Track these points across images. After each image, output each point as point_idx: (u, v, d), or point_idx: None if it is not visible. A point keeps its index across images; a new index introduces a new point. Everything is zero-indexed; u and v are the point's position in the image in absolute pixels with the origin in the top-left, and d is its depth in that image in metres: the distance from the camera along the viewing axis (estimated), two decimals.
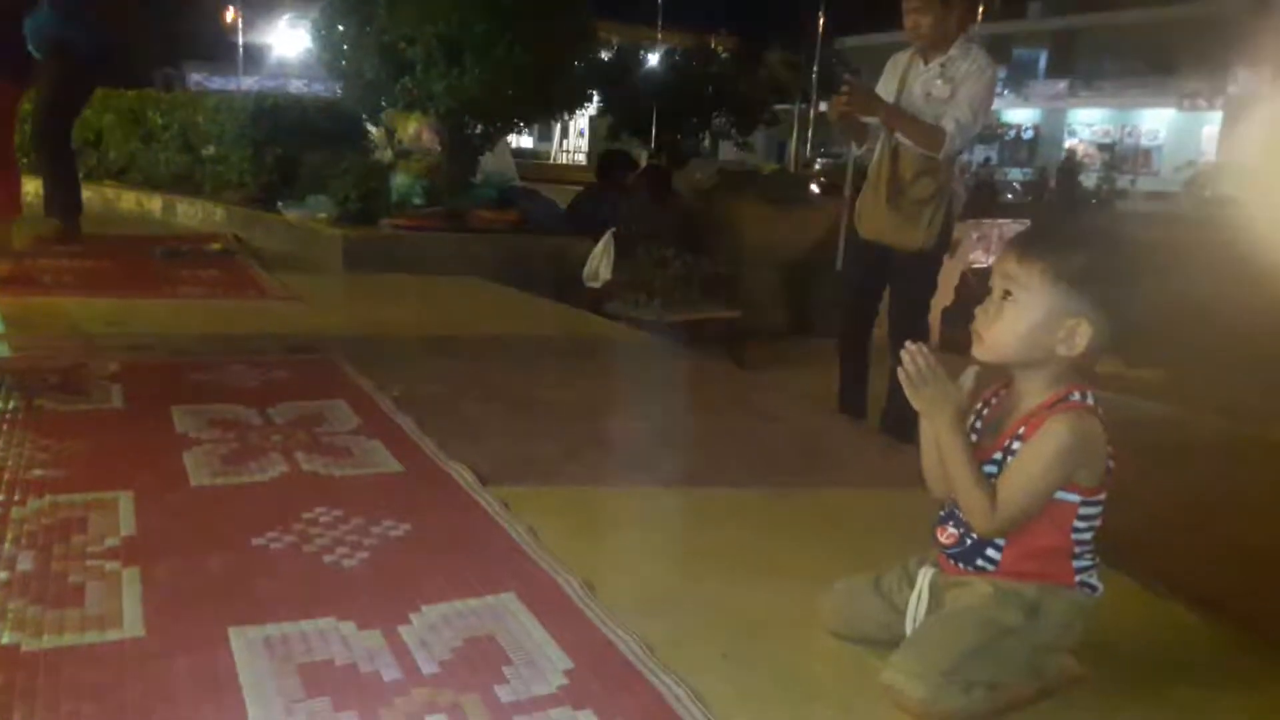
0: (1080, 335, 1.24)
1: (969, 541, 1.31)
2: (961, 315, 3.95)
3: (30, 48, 4.45)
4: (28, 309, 3.30)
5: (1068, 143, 34.32)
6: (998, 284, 1.28)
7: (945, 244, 3.37)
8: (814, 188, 7.08)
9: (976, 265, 6.58)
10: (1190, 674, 1.41)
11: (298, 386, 2.57)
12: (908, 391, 1.29)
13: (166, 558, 1.50)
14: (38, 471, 1.82)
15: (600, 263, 5.22)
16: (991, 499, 1.25)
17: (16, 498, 1.69)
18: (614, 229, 5.34)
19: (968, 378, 1.30)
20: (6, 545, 1.51)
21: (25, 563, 1.45)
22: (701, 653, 1.33)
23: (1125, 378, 5.03)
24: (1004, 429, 1.30)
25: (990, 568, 1.30)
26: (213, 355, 2.83)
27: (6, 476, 1.78)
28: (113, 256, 4.65)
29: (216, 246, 5.11)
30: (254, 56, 30.20)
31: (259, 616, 1.34)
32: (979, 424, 1.33)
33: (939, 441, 1.29)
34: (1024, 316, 1.25)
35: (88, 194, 7.17)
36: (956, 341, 1.37)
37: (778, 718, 1.20)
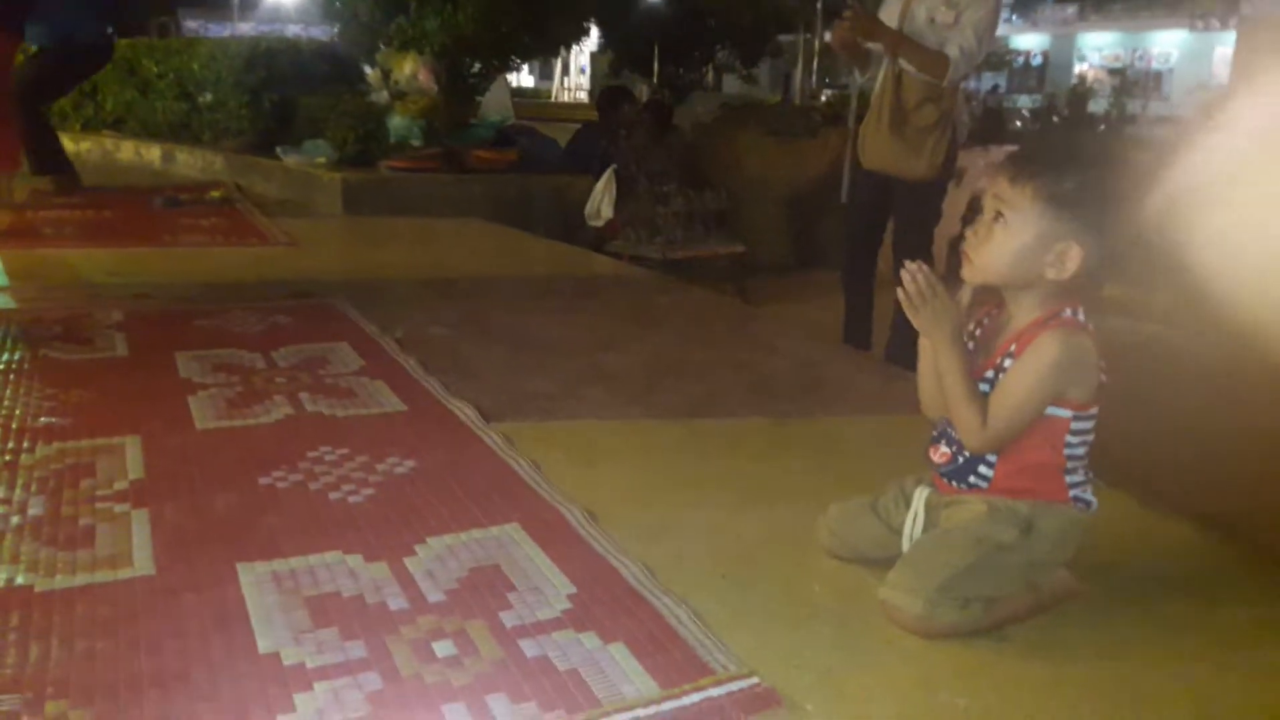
0: (1070, 258, 1.24)
1: (961, 459, 1.32)
2: None
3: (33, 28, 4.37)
4: (30, 260, 3.31)
5: (1077, 68, 33.73)
6: (989, 205, 1.27)
7: (950, 172, 3.34)
8: (817, 118, 6.98)
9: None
10: (1187, 589, 1.42)
11: (301, 330, 2.58)
12: (906, 310, 1.29)
13: (174, 499, 1.53)
14: (45, 419, 1.85)
15: (601, 201, 5.19)
16: (983, 414, 1.26)
17: (25, 445, 1.71)
18: (615, 166, 5.30)
19: (964, 295, 1.30)
20: (17, 491, 1.53)
21: (36, 507, 1.48)
22: (701, 575, 1.36)
23: (1130, 301, 5.02)
24: (996, 347, 1.31)
25: (983, 485, 1.31)
26: (215, 302, 2.84)
27: (15, 425, 1.81)
28: (113, 207, 4.65)
29: (216, 194, 5.09)
30: (250, 2, 29.75)
31: (266, 553, 1.36)
32: (971, 344, 1.34)
33: (936, 358, 1.30)
34: (1013, 238, 1.25)
35: (86, 145, 7.16)
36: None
37: (776, 635, 1.22)
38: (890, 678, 1.16)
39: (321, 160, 5.34)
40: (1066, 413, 1.27)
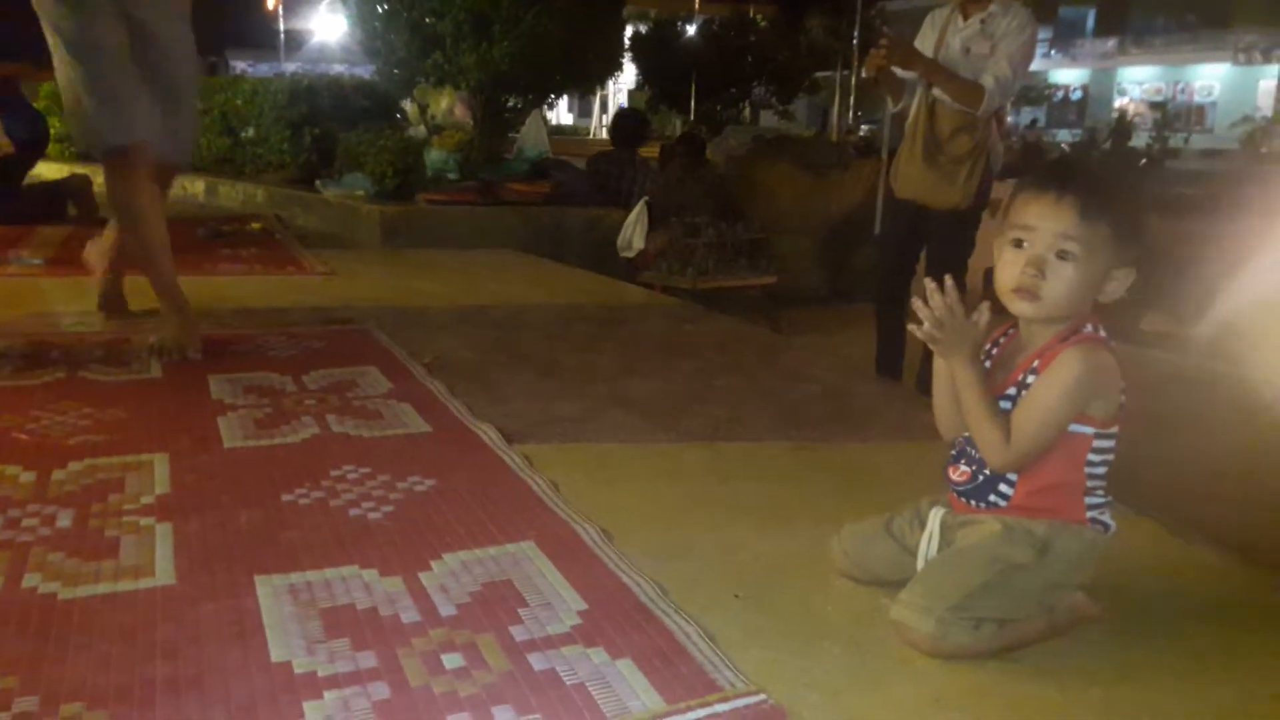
0: (1126, 281, 1.25)
1: (981, 478, 1.31)
2: None
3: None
4: (74, 287, 3.39)
5: (1118, 102, 33.54)
6: (1048, 242, 1.23)
7: (984, 202, 3.33)
8: (851, 151, 6.99)
9: None
10: (1214, 616, 1.39)
11: (332, 355, 2.62)
12: (925, 331, 1.28)
13: (198, 513, 1.55)
14: (79, 437, 1.89)
15: (633, 231, 5.23)
16: (1006, 432, 1.25)
17: (59, 461, 1.75)
18: (646, 198, 5.34)
19: (981, 315, 1.29)
20: (48, 504, 1.57)
21: (65, 520, 1.51)
22: (714, 594, 1.35)
23: (1172, 335, 4.95)
24: (1016, 364, 1.30)
25: (1002, 504, 1.30)
26: (250, 328, 2.90)
27: (50, 442, 1.85)
28: None
29: (257, 226, 5.20)
30: (295, 42, 30.49)
31: (285, 566, 1.38)
32: (988, 363, 1.33)
33: (955, 378, 1.29)
34: (1085, 273, 1.24)
35: None
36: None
37: (786, 655, 1.22)
38: (900, 698, 1.15)
39: (361, 193, 5.44)
40: (1089, 430, 1.26)
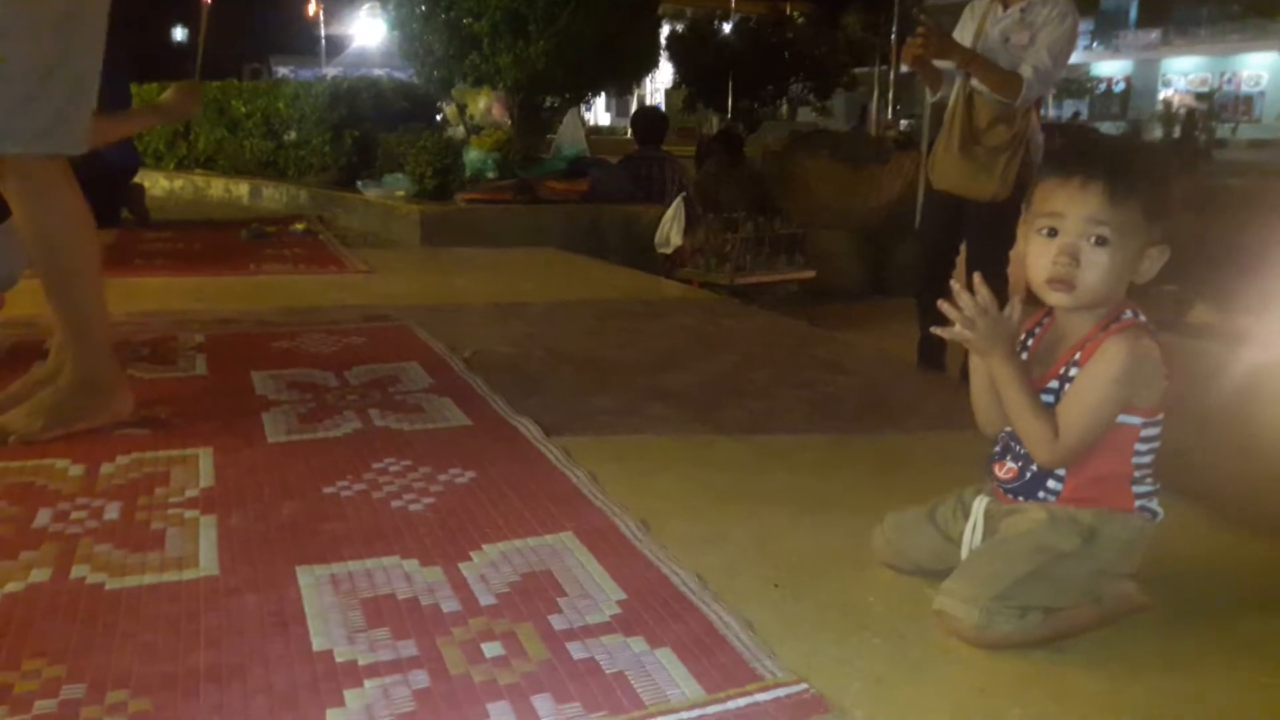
0: (1161, 259, 1.22)
1: (1029, 474, 1.29)
2: None
3: None
4: (121, 289, 3.44)
5: (1162, 94, 32.95)
6: (1079, 229, 1.20)
7: (1023, 193, 3.28)
8: (890, 145, 6.93)
9: None
10: (1263, 608, 1.36)
11: (373, 351, 2.64)
12: (956, 330, 1.26)
13: (241, 506, 1.57)
14: (125, 431, 1.92)
15: (671, 228, 5.22)
16: (1053, 427, 1.22)
17: (106, 455, 1.78)
18: (684, 194, 5.33)
19: (1014, 308, 1.27)
20: (95, 497, 1.59)
21: (112, 512, 1.54)
22: (753, 584, 1.34)
23: (1221, 325, 4.86)
24: (1056, 356, 1.28)
25: (1051, 499, 1.28)
26: (293, 325, 2.93)
27: (97, 437, 1.88)
28: (202, 239, 4.84)
29: (300, 227, 5.27)
30: (336, 47, 30.85)
31: (326, 556, 1.39)
32: (1024, 355, 1.31)
33: (994, 375, 1.27)
34: (1119, 257, 1.21)
35: (179, 183, 7.47)
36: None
37: (827, 644, 1.21)
38: (943, 688, 1.13)
39: (400, 194, 5.49)
40: (1136, 420, 1.23)
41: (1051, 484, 1.28)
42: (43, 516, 1.51)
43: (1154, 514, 1.26)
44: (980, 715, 1.08)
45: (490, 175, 5.44)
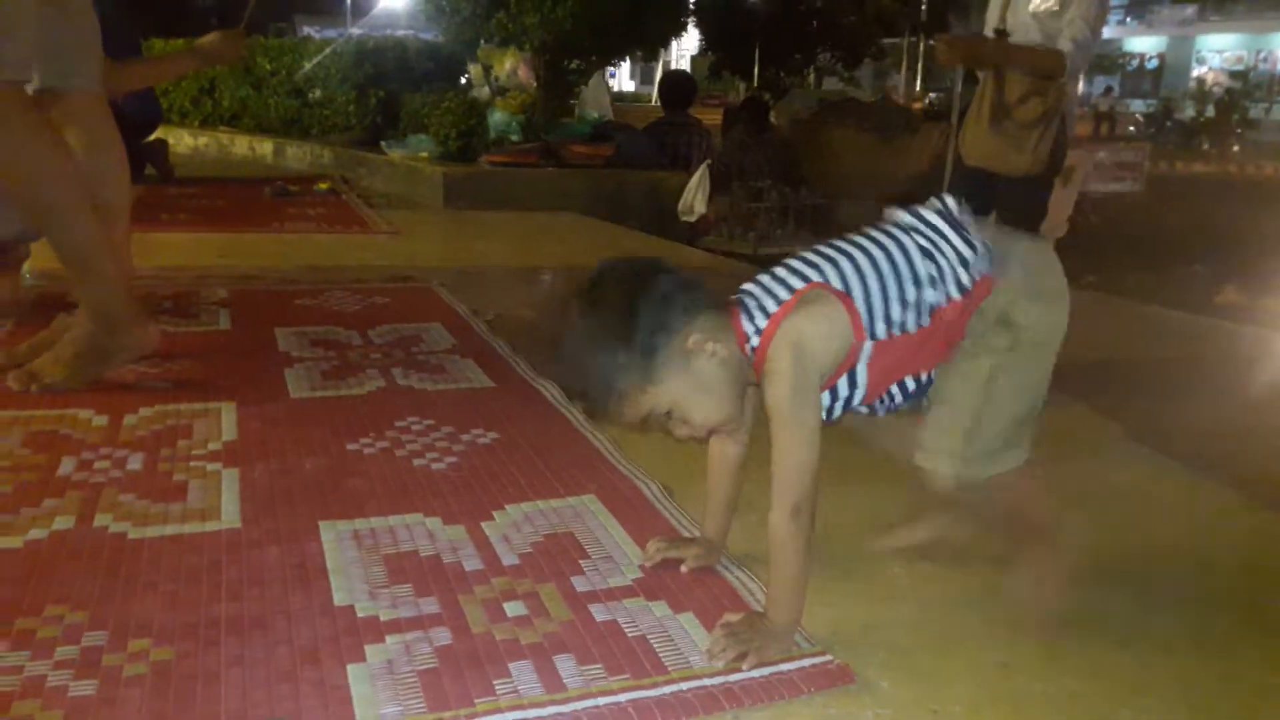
0: (699, 340, 1.23)
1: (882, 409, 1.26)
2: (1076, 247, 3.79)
3: None
4: (145, 243, 3.44)
5: (1195, 71, 32.39)
6: (648, 424, 1.17)
7: (1055, 169, 3.23)
8: (919, 116, 6.84)
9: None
10: None
11: (397, 311, 2.63)
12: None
13: (264, 460, 1.57)
14: (149, 384, 1.92)
15: (695, 196, 5.18)
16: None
17: (130, 408, 1.78)
18: (708, 162, 5.28)
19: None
20: (119, 448, 1.59)
21: (135, 463, 1.54)
22: None
23: (1251, 308, 4.79)
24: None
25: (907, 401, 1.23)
26: (317, 284, 2.92)
27: (120, 389, 1.88)
28: (226, 196, 4.83)
29: (323, 186, 5.25)
30: (362, 7, 30.65)
31: (349, 512, 1.39)
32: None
33: None
34: (682, 404, 1.17)
35: (204, 140, 7.46)
36: None
37: (852, 613, 1.19)
38: (969, 659, 1.12)
39: (424, 155, 5.47)
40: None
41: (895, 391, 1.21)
42: (66, 465, 1.51)
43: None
44: (1005, 687, 1.07)
45: (514, 138, 5.41)
